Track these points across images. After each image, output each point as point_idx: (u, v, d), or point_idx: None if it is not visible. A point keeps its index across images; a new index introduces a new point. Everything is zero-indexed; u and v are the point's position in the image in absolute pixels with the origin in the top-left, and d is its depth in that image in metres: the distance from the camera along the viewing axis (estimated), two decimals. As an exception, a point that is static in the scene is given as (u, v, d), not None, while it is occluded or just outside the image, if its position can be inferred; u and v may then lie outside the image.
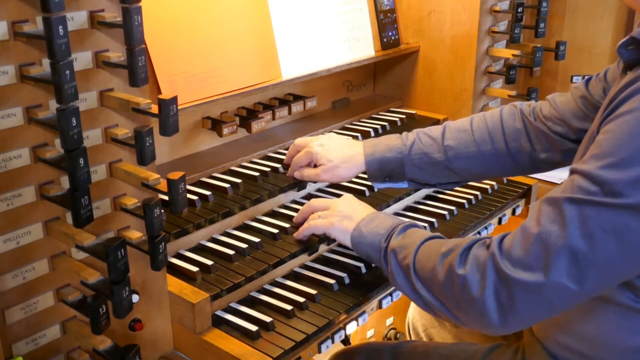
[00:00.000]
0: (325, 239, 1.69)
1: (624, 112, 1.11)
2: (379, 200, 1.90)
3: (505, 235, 1.24)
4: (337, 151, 1.75)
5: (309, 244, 1.68)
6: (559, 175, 2.28)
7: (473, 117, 1.76)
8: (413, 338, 2.02)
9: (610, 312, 1.29)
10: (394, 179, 1.75)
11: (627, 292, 1.25)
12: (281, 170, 1.89)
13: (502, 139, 1.69)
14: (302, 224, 1.68)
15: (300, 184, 1.87)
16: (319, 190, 1.97)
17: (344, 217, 1.58)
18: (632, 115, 1.09)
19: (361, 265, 1.69)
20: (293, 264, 1.71)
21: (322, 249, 1.78)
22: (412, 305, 2.06)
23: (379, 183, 1.78)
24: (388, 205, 1.93)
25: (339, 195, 1.78)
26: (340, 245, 1.82)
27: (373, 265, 1.71)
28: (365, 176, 1.78)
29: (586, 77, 1.66)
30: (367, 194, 1.93)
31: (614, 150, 1.10)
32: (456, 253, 1.29)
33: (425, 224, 1.89)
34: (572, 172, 1.18)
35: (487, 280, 1.20)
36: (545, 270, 1.14)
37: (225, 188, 1.76)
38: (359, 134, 2.18)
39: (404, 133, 1.77)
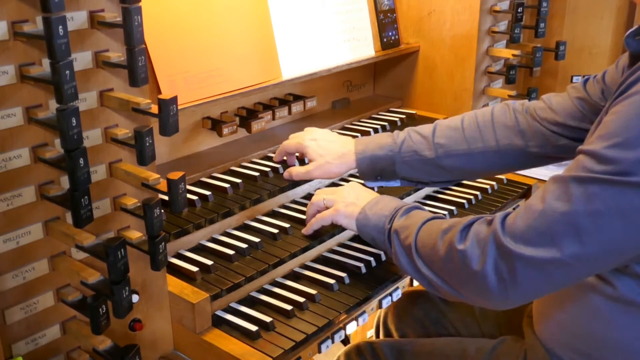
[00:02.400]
0: (333, 228, 1.71)
1: (631, 93, 1.12)
2: (379, 200, 1.90)
3: (509, 213, 1.24)
4: (328, 147, 1.76)
5: (318, 235, 1.70)
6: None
7: (464, 115, 1.77)
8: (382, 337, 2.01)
9: (617, 310, 1.28)
10: (385, 177, 1.76)
11: (635, 287, 1.24)
12: (281, 170, 1.89)
13: (492, 136, 1.70)
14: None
15: (295, 183, 1.86)
16: (319, 190, 1.97)
17: (349, 203, 1.59)
18: (638, 96, 1.10)
19: (361, 265, 1.70)
20: (293, 264, 1.71)
21: (322, 248, 1.78)
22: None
23: (371, 182, 1.78)
24: (388, 205, 1.93)
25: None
26: (340, 245, 1.83)
27: (373, 265, 1.71)
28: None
29: (583, 79, 1.66)
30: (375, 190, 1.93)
31: (620, 130, 1.10)
32: (457, 229, 1.29)
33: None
34: (578, 152, 1.19)
35: (488, 255, 1.21)
36: (548, 246, 1.14)
37: (225, 188, 1.76)
38: (358, 134, 2.18)
39: (396, 131, 1.78)
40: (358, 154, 1.73)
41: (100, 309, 1.15)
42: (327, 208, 1.65)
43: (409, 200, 2.05)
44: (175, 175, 1.19)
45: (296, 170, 1.79)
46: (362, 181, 1.78)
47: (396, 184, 1.79)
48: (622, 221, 1.09)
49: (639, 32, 1.23)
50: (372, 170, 1.74)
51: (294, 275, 1.70)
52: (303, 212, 1.80)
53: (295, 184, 1.86)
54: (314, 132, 1.83)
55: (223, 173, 1.89)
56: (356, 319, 1.59)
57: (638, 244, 1.14)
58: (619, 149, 1.09)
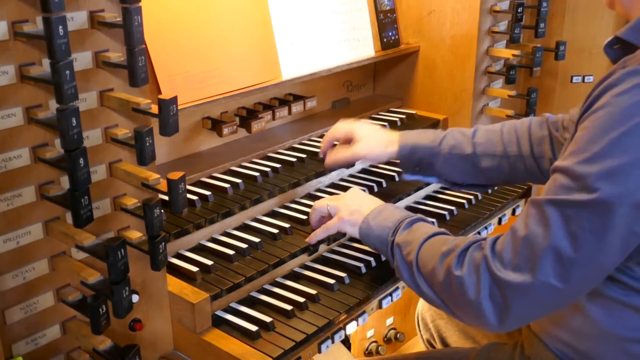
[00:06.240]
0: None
1: (596, 108, 1.15)
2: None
3: (498, 237, 1.27)
4: (375, 133, 1.85)
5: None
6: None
7: (505, 122, 1.84)
8: (422, 330, 2.07)
9: (598, 306, 1.31)
10: (422, 170, 1.82)
11: (614, 287, 1.27)
12: (281, 170, 1.90)
13: (527, 143, 1.75)
14: (316, 227, 1.70)
15: (295, 184, 1.86)
16: (319, 190, 1.97)
17: (353, 211, 1.61)
18: (603, 110, 1.13)
19: (361, 265, 1.70)
20: (293, 264, 1.71)
21: (322, 248, 1.78)
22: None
23: (409, 173, 1.84)
24: (388, 205, 1.93)
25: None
26: (340, 245, 1.83)
27: (373, 265, 1.71)
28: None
29: None
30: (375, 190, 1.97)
31: (588, 145, 1.13)
32: (454, 254, 1.31)
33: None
34: (553, 171, 1.21)
35: (482, 282, 1.24)
36: (533, 271, 1.17)
37: (225, 188, 1.76)
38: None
39: (439, 129, 1.86)
40: (401, 141, 1.81)
41: (100, 309, 1.15)
42: (329, 214, 1.65)
43: (409, 200, 2.06)
44: (175, 175, 1.19)
45: (342, 154, 1.84)
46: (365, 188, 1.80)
47: (434, 180, 1.85)
48: (597, 241, 1.13)
49: (617, 42, 1.25)
50: (410, 159, 1.80)
51: (294, 275, 1.70)
52: (303, 212, 1.80)
53: (295, 184, 1.86)
54: (362, 122, 1.93)
55: (223, 173, 1.89)
56: (356, 319, 1.59)
57: (616, 258, 1.17)
58: (586, 164, 1.13)
